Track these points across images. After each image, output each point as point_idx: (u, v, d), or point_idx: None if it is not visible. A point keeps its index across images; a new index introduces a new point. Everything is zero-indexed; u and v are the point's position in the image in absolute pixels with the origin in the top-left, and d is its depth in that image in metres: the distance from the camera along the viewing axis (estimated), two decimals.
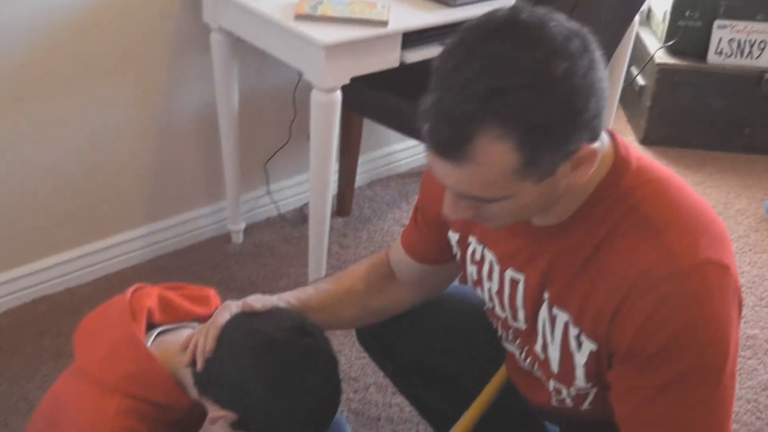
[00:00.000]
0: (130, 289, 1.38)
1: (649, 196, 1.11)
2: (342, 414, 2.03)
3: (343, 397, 2.10)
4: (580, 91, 0.96)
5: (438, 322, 1.62)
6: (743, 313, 2.46)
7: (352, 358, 2.21)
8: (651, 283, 1.06)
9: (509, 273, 1.28)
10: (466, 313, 1.61)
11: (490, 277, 1.33)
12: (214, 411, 1.26)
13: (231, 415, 1.24)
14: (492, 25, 0.98)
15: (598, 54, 1.00)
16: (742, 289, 2.59)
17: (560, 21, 0.98)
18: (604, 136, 1.11)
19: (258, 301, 1.35)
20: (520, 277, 1.26)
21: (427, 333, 1.62)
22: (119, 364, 1.28)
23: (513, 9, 0.99)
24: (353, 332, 1.78)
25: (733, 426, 2.08)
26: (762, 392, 2.24)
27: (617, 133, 1.17)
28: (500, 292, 1.32)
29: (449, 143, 0.98)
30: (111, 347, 1.30)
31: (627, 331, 1.09)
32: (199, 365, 1.26)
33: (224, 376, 1.25)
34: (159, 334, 1.36)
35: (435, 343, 1.63)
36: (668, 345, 1.06)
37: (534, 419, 1.56)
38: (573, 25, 1.00)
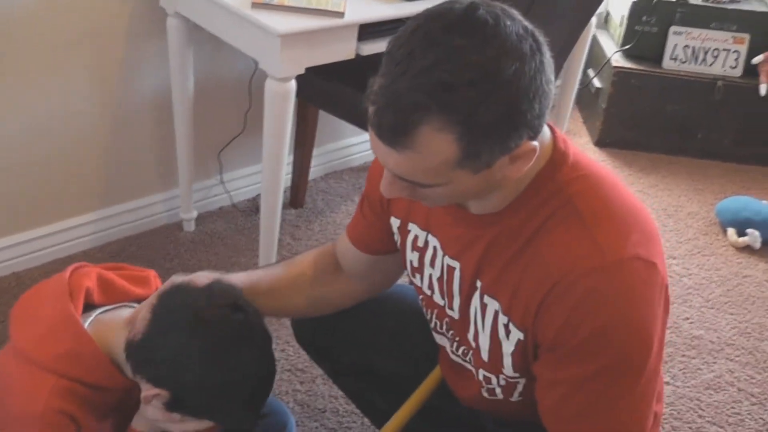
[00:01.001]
0: (70, 268, 1.36)
1: (582, 190, 1.13)
2: (287, 405, 2.03)
3: (290, 387, 2.10)
4: (526, 93, 0.98)
5: (374, 321, 1.62)
6: (689, 315, 2.51)
7: (299, 350, 2.20)
8: (577, 276, 1.07)
9: (446, 260, 1.29)
10: (404, 312, 1.61)
11: (433, 264, 1.33)
12: (147, 390, 1.25)
13: (164, 393, 1.23)
14: (450, 17, 0.99)
15: (548, 55, 1.02)
16: (689, 291, 2.65)
17: (515, 19, 1.00)
18: (545, 130, 1.13)
19: (206, 278, 1.34)
20: (456, 265, 1.27)
21: (362, 332, 1.63)
22: (55, 343, 1.26)
23: (472, 4, 0.99)
24: None
25: (676, 423, 2.12)
26: (705, 391, 2.27)
27: (571, 134, 1.19)
28: (440, 278, 1.33)
29: (393, 130, 1.00)
30: (47, 326, 1.28)
31: (552, 323, 1.10)
32: (137, 333, 1.25)
33: (157, 353, 1.24)
34: (97, 314, 1.35)
35: (370, 342, 1.64)
36: (591, 338, 1.08)
37: (469, 423, 1.56)
38: (527, 24, 1.01)
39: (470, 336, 1.29)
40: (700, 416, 2.18)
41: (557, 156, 1.14)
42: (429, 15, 1.00)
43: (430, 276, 1.35)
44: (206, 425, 1.31)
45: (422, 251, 1.35)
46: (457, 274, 1.27)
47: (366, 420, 2.00)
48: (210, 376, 1.23)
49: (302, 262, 1.55)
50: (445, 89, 0.95)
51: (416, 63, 0.97)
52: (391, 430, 1.48)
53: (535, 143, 1.04)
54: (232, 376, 1.24)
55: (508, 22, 0.98)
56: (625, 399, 1.11)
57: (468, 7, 0.99)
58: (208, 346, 1.23)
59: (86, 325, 1.30)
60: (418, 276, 1.39)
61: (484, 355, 1.27)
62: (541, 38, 1.01)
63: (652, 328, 1.10)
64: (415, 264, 1.38)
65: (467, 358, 1.36)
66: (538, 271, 1.11)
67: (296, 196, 2.87)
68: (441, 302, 1.36)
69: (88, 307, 1.35)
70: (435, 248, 1.32)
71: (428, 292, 1.38)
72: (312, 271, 1.53)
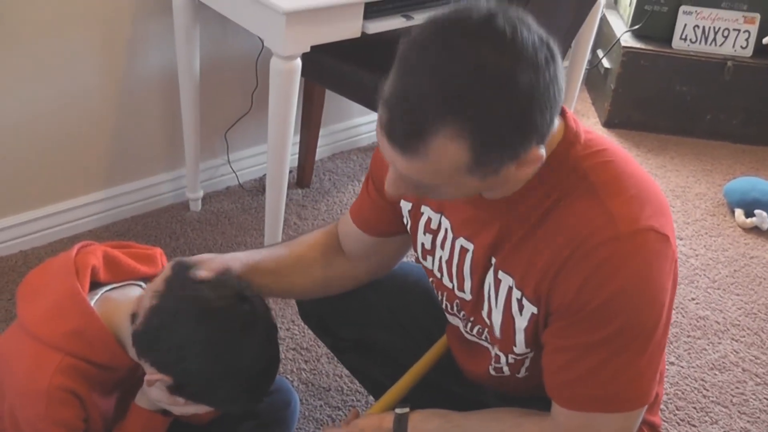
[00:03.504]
0: (76, 246, 1.37)
1: (596, 166, 1.14)
2: (292, 383, 2.04)
3: (294, 366, 2.11)
4: (539, 104, 0.99)
5: (376, 297, 1.63)
6: (695, 296, 2.51)
7: (304, 329, 2.21)
8: (593, 246, 1.09)
9: (460, 241, 1.29)
10: (406, 288, 1.62)
11: (443, 246, 1.34)
12: (150, 374, 1.26)
13: (168, 379, 1.24)
14: (468, 25, 0.98)
15: (560, 63, 1.03)
16: (696, 272, 2.64)
17: (531, 28, 1.00)
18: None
19: (209, 261, 1.34)
20: (470, 246, 1.27)
21: (365, 308, 1.63)
22: (61, 321, 1.27)
23: (491, 12, 0.99)
24: None
25: (680, 403, 2.12)
26: (709, 371, 2.27)
27: (579, 114, 1.21)
28: (449, 261, 1.33)
29: (406, 137, 1.00)
30: (53, 304, 1.29)
31: (568, 291, 1.11)
32: (140, 322, 1.25)
33: (162, 341, 1.25)
34: (104, 292, 1.35)
35: (373, 318, 1.65)
36: (604, 305, 1.09)
37: (469, 397, 1.57)
38: (543, 33, 1.01)
39: (484, 314, 1.30)
40: (704, 396, 2.19)
41: (569, 135, 1.15)
42: (446, 20, 1.00)
43: (440, 258, 1.35)
44: (207, 408, 1.32)
45: (435, 233, 1.35)
46: (469, 255, 1.28)
47: (371, 398, 2.01)
48: (214, 365, 1.24)
49: (306, 242, 1.55)
50: (460, 98, 0.96)
51: (432, 70, 0.97)
52: (389, 399, 1.48)
53: (542, 151, 1.05)
54: (237, 365, 1.25)
55: (525, 33, 0.98)
56: (632, 365, 1.13)
57: (487, 15, 0.98)
58: (214, 336, 1.24)
59: (92, 303, 1.30)
60: (429, 258, 1.39)
61: (497, 332, 1.28)
62: (555, 47, 1.02)
63: (663, 299, 1.12)
64: (428, 246, 1.38)
65: (483, 337, 1.36)
66: (554, 242, 1.13)
67: (303, 175, 2.87)
68: (450, 285, 1.36)
69: (95, 285, 1.35)
70: (446, 230, 1.32)
71: (438, 275, 1.38)
72: (315, 253, 1.53)
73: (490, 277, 1.26)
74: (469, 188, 1.09)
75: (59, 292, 1.30)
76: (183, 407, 1.30)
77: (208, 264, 1.33)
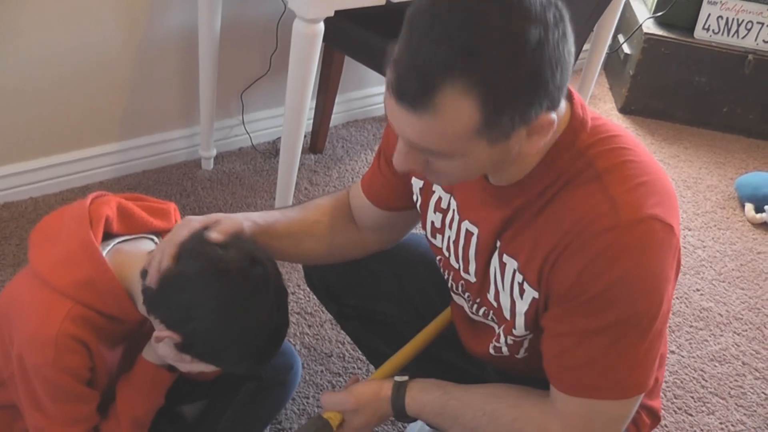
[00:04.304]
0: (90, 196, 1.37)
1: (602, 153, 1.13)
2: (294, 347, 2.05)
3: (298, 330, 2.12)
4: (549, 61, 0.97)
5: (383, 267, 1.63)
6: (700, 287, 2.52)
7: (309, 294, 2.22)
8: (593, 233, 1.08)
9: (465, 224, 1.29)
10: (413, 260, 1.62)
11: (451, 226, 1.34)
12: (159, 330, 1.27)
13: (176, 337, 1.25)
14: None
15: (569, 28, 1.01)
16: (702, 263, 2.64)
17: None
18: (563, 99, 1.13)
19: (223, 221, 1.34)
20: (474, 230, 1.27)
21: (371, 277, 1.64)
22: (73, 269, 1.27)
23: None
24: None
25: (678, 392, 2.13)
26: (709, 362, 2.28)
27: (596, 99, 1.19)
28: (456, 241, 1.33)
29: (415, 92, 0.98)
30: (66, 252, 1.29)
31: (567, 276, 1.11)
32: (151, 280, 1.25)
33: (173, 299, 1.25)
34: (116, 244, 1.35)
35: (378, 287, 1.65)
36: (603, 292, 1.08)
37: (471, 372, 1.58)
38: None
39: (491, 296, 1.30)
40: (702, 386, 2.20)
41: (576, 122, 1.14)
42: None
43: (449, 238, 1.35)
44: (213, 368, 1.32)
45: (444, 212, 1.35)
46: (474, 239, 1.28)
47: (372, 367, 2.02)
48: (223, 326, 1.24)
49: (318, 208, 1.55)
50: (469, 52, 0.95)
51: (440, 27, 0.96)
52: (390, 367, 1.48)
53: (554, 116, 1.04)
54: (246, 328, 1.25)
55: None
56: (630, 354, 1.12)
57: None
58: (225, 297, 1.24)
59: (104, 253, 1.30)
60: (439, 237, 1.39)
61: (507, 314, 1.27)
62: (564, 10, 1.01)
63: (663, 288, 1.11)
64: (437, 225, 1.38)
65: (489, 318, 1.36)
66: (556, 228, 1.12)
67: (316, 141, 2.87)
68: (456, 265, 1.36)
69: (107, 236, 1.35)
70: (454, 210, 1.32)
71: (446, 254, 1.38)
72: (328, 219, 1.53)
73: (495, 261, 1.25)
74: (479, 160, 1.07)
75: (72, 241, 1.30)
76: (189, 365, 1.31)
77: (222, 225, 1.32)
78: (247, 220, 1.39)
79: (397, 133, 1.07)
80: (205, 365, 1.31)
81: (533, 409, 1.23)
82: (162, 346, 1.29)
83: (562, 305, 1.14)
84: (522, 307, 1.22)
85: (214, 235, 1.29)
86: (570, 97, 1.16)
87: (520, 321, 1.24)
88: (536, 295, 1.19)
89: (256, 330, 1.27)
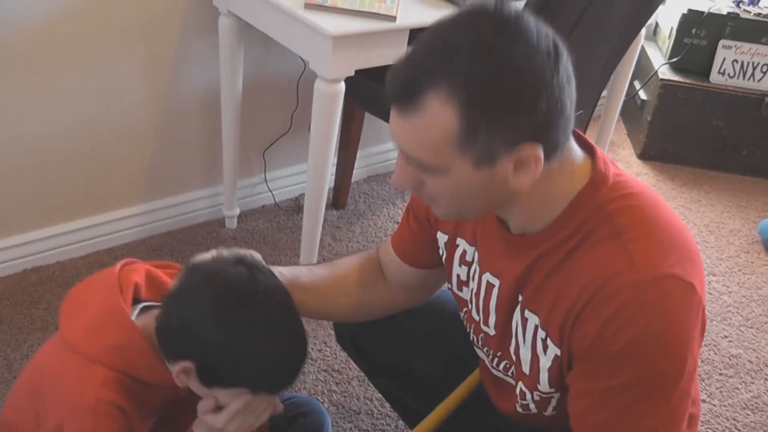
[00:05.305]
0: (120, 263, 1.38)
1: (623, 209, 1.13)
2: (323, 404, 2.04)
3: (326, 388, 2.11)
4: (531, 83, 1.00)
5: (414, 324, 1.63)
6: (728, 333, 2.49)
7: (336, 350, 2.22)
8: (612, 291, 1.07)
9: (486, 276, 1.30)
10: (444, 316, 1.61)
11: (474, 278, 1.35)
12: (176, 370, 1.25)
13: (189, 365, 1.23)
14: (478, 9, 1.03)
15: (569, 69, 1.04)
16: (729, 309, 2.62)
17: (541, 24, 1.04)
18: (579, 151, 1.15)
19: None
20: (496, 282, 1.28)
21: (401, 334, 1.63)
22: (104, 335, 1.27)
23: (503, 2, 1.04)
24: None
25: None
26: (741, 411, 2.25)
27: (615, 145, 1.20)
28: (477, 293, 1.33)
29: (402, 89, 1.04)
30: (97, 318, 1.29)
31: (587, 334, 1.11)
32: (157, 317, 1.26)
33: (172, 322, 1.25)
34: (144, 309, 1.36)
35: (409, 344, 1.64)
36: (623, 350, 1.07)
37: (503, 429, 1.56)
38: (551, 32, 1.04)
39: (512, 349, 1.30)
40: None
41: (597, 176, 1.14)
42: (458, 12, 1.06)
43: (472, 290, 1.36)
44: (249, 395, 1.29)
45: (470, 265, 1.36)
46: (495, 291, 1.28)
47: (400, 423, 2.01)
48: (226, 334, 1.22)
49: (347, 265, 1.56)
50: (454, 62, 1.00)
51: (435, 40, 1.03)
52: (423, 430, 1.48)
53: (541, 152, 1.04)
54: (250, 331, 1.23)
55: (531, 22, 1.02)
56: (654, 415, 1.11)
57: (499, 3, 1.03)
58: (216, 302, 1.23)
59: (134, 315, 1.31)
60: (465, 289, 1.39)
61: (525, 368, 1.27)
62: (564, 50, 1.04)
63: (686, 346, 1.09)
64: (463, 278, 1.38)
65: (509, 373, 1.36)
66: (576, 285, 1.12)
67: (338, 197, 2.89)
68: (477, 317, 1.36)
69: (135, 302, 1.36)
70: (476, 262, 1.33)
71: (469, 307, 1.39)
72: (357, 276, 1.54)
73: (517, 315, 1.25)
74: (466, 181, 1.07)
75: (102, 307, 1.31)
76: (224, 397, 1.28)
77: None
78: (274, 270, 1.39)
79: (392, 140, 1.11)
80: (238, 390, 1.28)
81: None
82: (191, 383, 1.27)
83: (585, 363, 1.14)
84: (545, 363, 1.22)
85: (225, 252, 1.31)
86: (592, 152, 1.17)
87: (543, 377, 1.23)
88: (558, 352, 1.18)
89: (263, 333, 1.24)
